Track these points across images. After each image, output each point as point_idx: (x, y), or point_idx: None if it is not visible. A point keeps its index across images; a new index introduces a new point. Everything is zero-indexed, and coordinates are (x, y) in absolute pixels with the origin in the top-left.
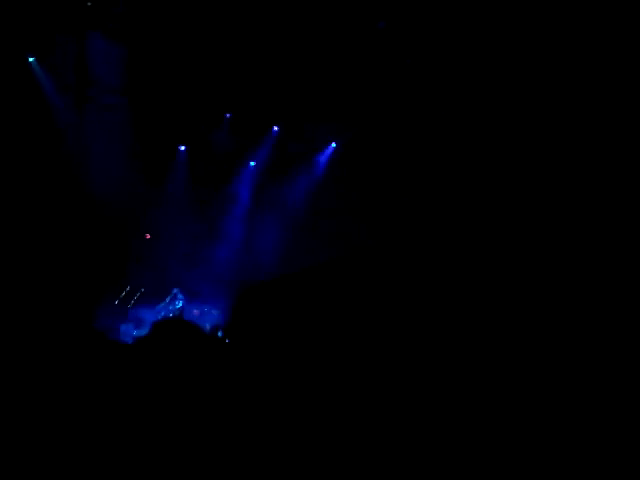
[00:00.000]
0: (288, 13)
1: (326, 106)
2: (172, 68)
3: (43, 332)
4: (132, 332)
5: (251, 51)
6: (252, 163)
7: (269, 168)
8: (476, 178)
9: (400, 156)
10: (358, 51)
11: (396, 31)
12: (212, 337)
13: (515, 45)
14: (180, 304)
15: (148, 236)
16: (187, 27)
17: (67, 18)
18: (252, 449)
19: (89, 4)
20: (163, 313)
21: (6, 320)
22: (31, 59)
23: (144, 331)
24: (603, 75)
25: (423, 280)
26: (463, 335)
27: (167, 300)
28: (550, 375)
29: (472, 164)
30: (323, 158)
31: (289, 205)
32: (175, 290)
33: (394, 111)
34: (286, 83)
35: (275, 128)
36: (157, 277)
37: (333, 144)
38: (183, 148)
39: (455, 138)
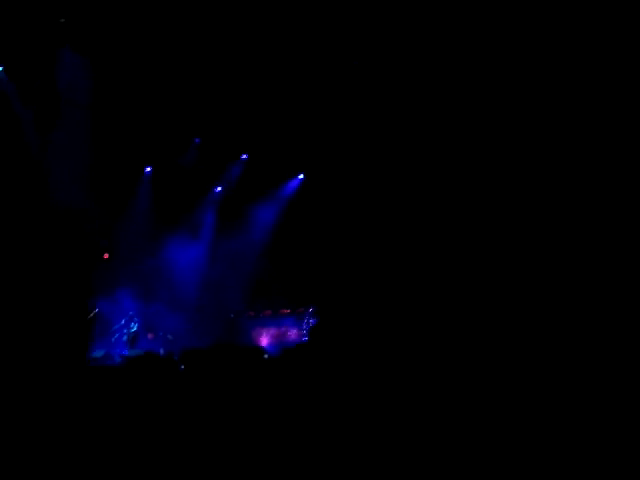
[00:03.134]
0: (263, 40)
1: (296, 138)
2: (144, 89)
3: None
4: None
5: (225, 78)
6: (219, 188)
7: (236, 194)
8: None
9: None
10: (331, 86)
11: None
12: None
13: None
14: (135, 327)
15: (106, 256)
16: (163, 48)
17: (40, 32)
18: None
19: (62, 20)
20: (117, 335)
21: None
22: None
23: (98, 353)
24: (602, 75)
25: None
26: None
27: (122, 322)
28: (550, 375)
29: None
30: (289, 188)
31: (254, 234)
32: (131, 312)
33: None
34: (259, 113)
35: (244, 156)
36: (114, 298)
37: (300, 175)
38: (149, 169)
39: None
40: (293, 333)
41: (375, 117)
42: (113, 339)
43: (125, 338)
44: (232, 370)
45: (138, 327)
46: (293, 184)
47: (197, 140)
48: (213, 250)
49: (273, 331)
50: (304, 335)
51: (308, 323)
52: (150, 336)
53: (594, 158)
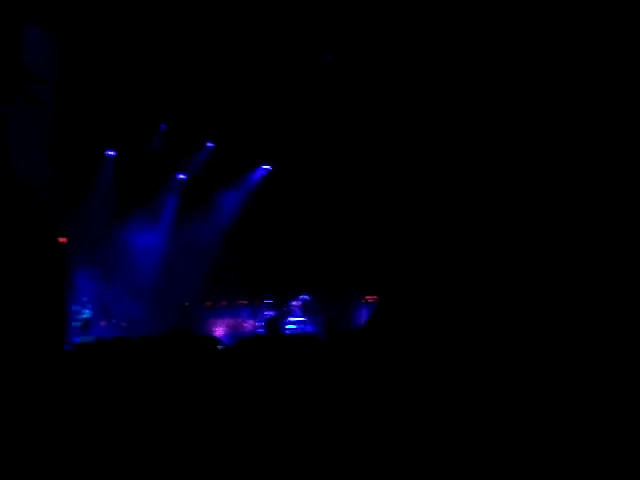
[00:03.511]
0: (233, 29)
1: (263, 128)
2: (112, 70)
3: None
4: None
5: (194, 65)
6: (182, 176)
7: (198, 183)
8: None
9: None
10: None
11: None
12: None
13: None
14: (88, 313)
15: (64, 240)
16: (133, 33)
17: (6, 3)
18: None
19: None
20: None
21: None
22: None
23: None
24: (602, 75)
25: None
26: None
27: (75, 308)
28: (550, 375)
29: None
30: (254, 178)
31: (215, 224)
32: (85, 298)
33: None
34: (227, 101)
35: (209, 144)
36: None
37: (265, 166)
38: (112, 153)
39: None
40: (249, 324)
41: (346, 109)
42: None
43: (77, 324)
44: (183, 359)
45: (91, 313)
46: (258, 174)
47: (163, 126)
48: (174, 237)
49: (228, 321)
50: (259, 327)
51: (264, 315)
52: (103, 323)
53: (594, 158)
